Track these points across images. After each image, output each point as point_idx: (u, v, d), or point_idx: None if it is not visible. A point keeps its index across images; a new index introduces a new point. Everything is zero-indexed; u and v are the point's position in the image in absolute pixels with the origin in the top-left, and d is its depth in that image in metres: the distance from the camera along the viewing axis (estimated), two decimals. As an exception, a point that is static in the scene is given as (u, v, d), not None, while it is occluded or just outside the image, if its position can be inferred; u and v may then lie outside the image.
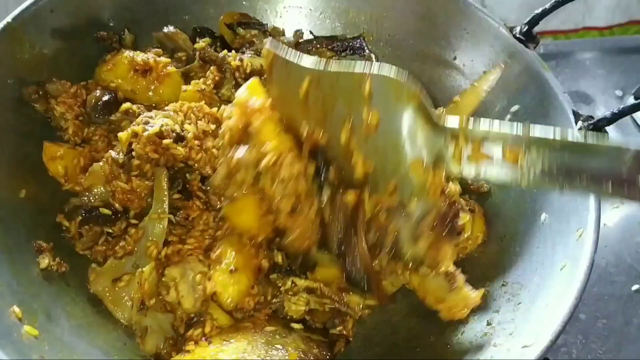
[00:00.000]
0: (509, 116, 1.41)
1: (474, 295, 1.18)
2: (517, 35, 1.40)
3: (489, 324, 1.18)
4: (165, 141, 1.24)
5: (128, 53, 1.41)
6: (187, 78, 1.45)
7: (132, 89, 1.40)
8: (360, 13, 1.61)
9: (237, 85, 1.42)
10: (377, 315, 1.32)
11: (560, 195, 1.23)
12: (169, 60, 1.43)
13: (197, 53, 1.47)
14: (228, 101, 1.41)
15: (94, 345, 1.16)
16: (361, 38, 1.59)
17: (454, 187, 1.16)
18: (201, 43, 1.51)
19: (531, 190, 1.30)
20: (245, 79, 1.40)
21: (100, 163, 1.29)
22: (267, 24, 1.61)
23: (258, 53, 1.50)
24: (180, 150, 1.24)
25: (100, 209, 1.28)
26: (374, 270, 1.17)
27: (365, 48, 1.58)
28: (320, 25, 1.65)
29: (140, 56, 1.40)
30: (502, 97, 1.43)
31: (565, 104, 1.29)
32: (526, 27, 1.40)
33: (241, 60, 1.45)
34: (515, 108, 1.40)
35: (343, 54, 1.58)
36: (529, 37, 1.40)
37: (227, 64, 1.44)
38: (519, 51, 1.40)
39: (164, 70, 1.41)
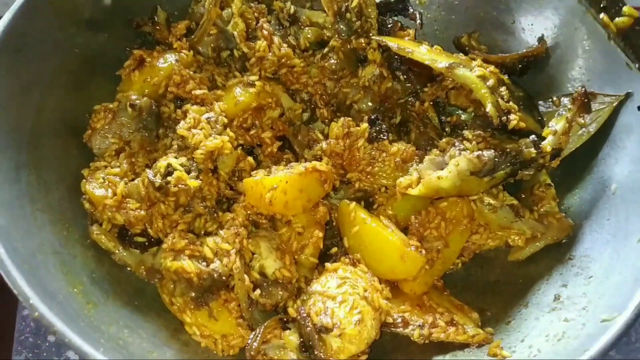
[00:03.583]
0: (571, 83, 1.33)
1: None
2: (585, -2, 1.32)
3: (556, 298, 1.12)
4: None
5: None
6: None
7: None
8: (413, -26, 1.53)
9: None
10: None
11: (633, 164, 1.16)
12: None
13: None
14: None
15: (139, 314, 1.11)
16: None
17: None
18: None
19: (599, 159, 1.23)
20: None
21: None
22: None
23: None
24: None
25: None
26: None
27: (409, 6, 1.46)
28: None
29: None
30: (567, 62, 1.34)
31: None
32: (595, -11, 1.32)
33: None
34: (578, 72, 1.32)
35: (387, 14, 1.47)
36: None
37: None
38: (586, 14, 1.31)
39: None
